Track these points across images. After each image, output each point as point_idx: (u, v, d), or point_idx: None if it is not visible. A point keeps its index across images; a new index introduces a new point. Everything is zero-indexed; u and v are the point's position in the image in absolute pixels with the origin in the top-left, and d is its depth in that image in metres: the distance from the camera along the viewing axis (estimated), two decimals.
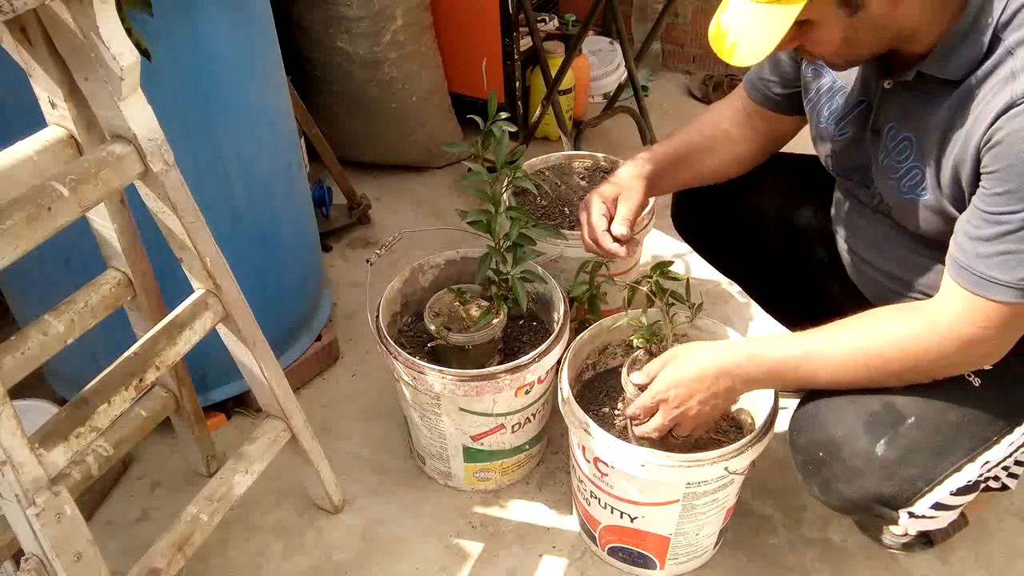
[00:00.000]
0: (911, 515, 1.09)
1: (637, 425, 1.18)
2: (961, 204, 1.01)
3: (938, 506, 1.08)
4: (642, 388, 1.16)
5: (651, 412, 1.15)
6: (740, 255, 1.49)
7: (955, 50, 0.97)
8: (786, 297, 1.52)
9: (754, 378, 1.11)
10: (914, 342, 1.01)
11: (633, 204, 1.30)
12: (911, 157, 1.07)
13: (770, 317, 1.62)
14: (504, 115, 1.32)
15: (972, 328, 0.98)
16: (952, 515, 1.15)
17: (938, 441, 1.06)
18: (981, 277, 0.95)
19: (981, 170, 0.96)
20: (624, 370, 1.23)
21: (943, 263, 1.05)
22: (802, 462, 1.15)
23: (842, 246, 1.31)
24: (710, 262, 1.57)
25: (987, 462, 1.07)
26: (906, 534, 1.40)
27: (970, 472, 1.06)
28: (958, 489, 1.07)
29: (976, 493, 1.11)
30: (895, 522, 1.11)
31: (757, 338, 1.15)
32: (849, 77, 1.16)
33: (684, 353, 1.14)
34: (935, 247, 1.11)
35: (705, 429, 1.24)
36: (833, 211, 1.33)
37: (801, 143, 1.39)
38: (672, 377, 1.12)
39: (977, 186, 0.97)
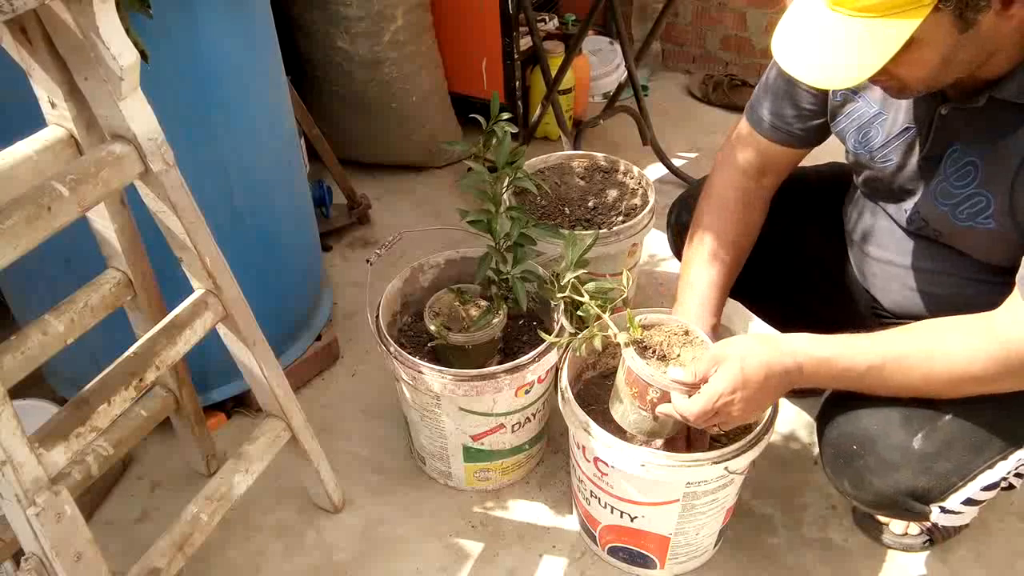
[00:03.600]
0: (943, 510, 1.09)
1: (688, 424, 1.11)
2: None
3: (968, 501, 1.08)
4: (688, 386, 1.09)
5: (711, 415, 1.08)
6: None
7: None
8: (784, 309, 1.50)
9: (815, 382, 1.07)
10: (985, 366, 0.99)
11: None
12: (974, 183, 1.03)
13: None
14: (506, 115, 1.32)
15: None
16: (975, 511, 1.15)
17: (974, 438, 1.05)
18: None
19: None
20: (637, 364, 1.11)
21: (990, 283, 1.04)
22: (833, 456, 1.14)
23: (865, 258, 1.28)
24: None
25: (1019, 460, 1.07)
26: (906, 533, 1.40)
27: (1002, 469, 1.06)
28: (988, 485, 1.07)
29: (998, 490, 1.11)
30: (926, 517, 1.10)
31: (819, 339, 1.07)
32: (887, 104, 1.12)
33: (740, 352, 1.05)
34: (985, 270, 1.10)
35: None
36: (855, 225, 1.29)
37: None
38: (737, 379, 1.03)
39: None
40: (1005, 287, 1.00)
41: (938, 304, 1.17)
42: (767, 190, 1.33)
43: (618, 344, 1.15)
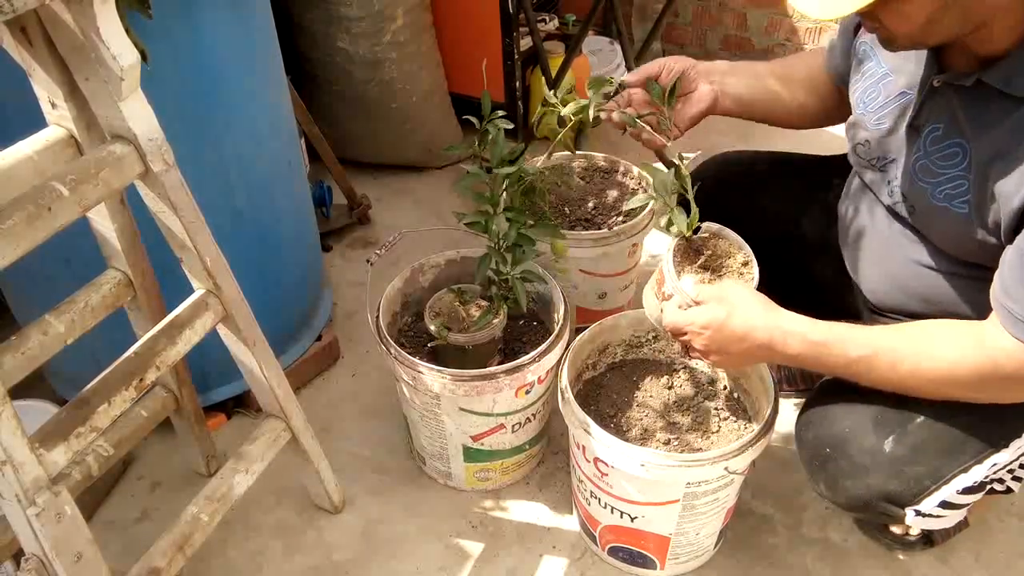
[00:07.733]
0: (918, 513, 1.08)
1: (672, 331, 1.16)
2: (995, 231, 0.98)
3: (945, 504, 1.08)
4: (686, 300, 1.12)
5: (679, 332, 1.11)
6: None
7: None
8: (783, 287, 1.50)
9: (799, 360, 1.07)
10: (970, 372, 0.99)
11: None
12: (961, 166, 1.02)
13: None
14: (500, 113, 1.32)
15: None
16: (959, 514, 1.14)
17: (947, 442, 1.05)
18: None
19: None
20: (667, 256, 1.16)
21: (954, 278, 1.03)
22: (809, 458, 1.15)
23: (850, 247, 1.29)
24: None
25: (995, 464, 1.06)
26: (906, 534, 1.40)
27: (977, 473, 1.06)
28: (964, 488, 1.07)
29: (982, 493, 1.11)
30: (901, 520, 1.10)
31: (816, 323, 1.06)
32: (895, 65, 1.12)
33: (737, 303, 1.07)
34: (950, 262, 1.10)
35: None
36: (843, 207, 1.30)
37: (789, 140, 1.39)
38: (716, 321, 1.06)
39: (1021, 222, 0.93)
40: (975, 282, 1.00)
41: (914, 298, 1.17)
42: (827, 99, 1.34)
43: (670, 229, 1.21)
